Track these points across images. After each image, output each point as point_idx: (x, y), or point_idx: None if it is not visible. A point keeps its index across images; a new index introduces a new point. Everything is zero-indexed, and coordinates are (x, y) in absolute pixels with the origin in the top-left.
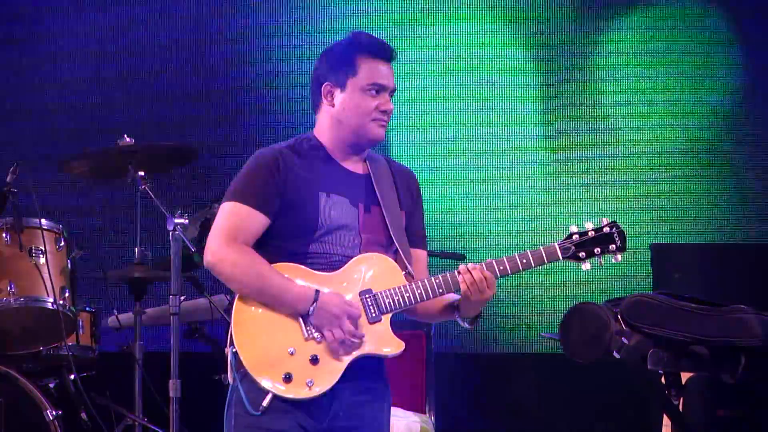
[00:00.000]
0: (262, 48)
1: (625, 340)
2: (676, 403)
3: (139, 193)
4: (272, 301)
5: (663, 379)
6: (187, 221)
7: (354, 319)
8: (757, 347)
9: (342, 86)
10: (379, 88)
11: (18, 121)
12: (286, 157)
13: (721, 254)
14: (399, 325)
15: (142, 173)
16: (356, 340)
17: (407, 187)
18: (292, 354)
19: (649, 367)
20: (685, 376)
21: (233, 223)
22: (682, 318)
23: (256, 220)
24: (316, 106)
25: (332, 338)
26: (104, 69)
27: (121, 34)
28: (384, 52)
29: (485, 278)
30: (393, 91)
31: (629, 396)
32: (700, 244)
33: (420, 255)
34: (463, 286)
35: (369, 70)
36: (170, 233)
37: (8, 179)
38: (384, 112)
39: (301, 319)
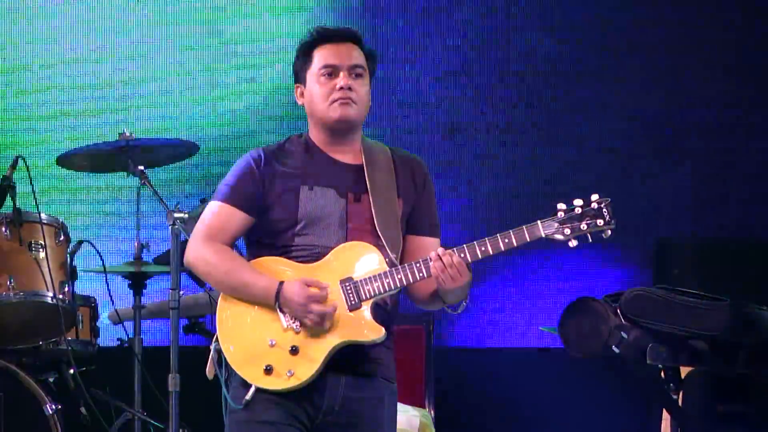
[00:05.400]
0: (265, 45)
1: (624, 335)
2: (675, 397)
3: (138, 187)
4: (244, 296)
5: (662, 374)
6: (186, 216)
7: (319, 297)
8: (756, 342)
9: (304, 81)
10: (332, 70)
11: (18, 116)
12: (269, 156)
13: (720, 249)
14: (399, 320)
15: (142, 168)
16: (329, 314)
17: (410, 175)
18: (272, 346)
19: (648, 361)
20: (684, 371)
21: (212, 222)
22: (682, 313)
23: (236, 219)
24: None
25: (311, 324)
26: (105, 63)
27: (122, 27)
28: (338, 35)
29: (455, 264)
30: (355, 67)
31: (628, 390)
32: (700, 239)
33: (427, 243)
34: (434, 272)
35: (321, 56)
36: (170, 228)
37: (8, 173)
38: (341, 89)
39: (279, 311)
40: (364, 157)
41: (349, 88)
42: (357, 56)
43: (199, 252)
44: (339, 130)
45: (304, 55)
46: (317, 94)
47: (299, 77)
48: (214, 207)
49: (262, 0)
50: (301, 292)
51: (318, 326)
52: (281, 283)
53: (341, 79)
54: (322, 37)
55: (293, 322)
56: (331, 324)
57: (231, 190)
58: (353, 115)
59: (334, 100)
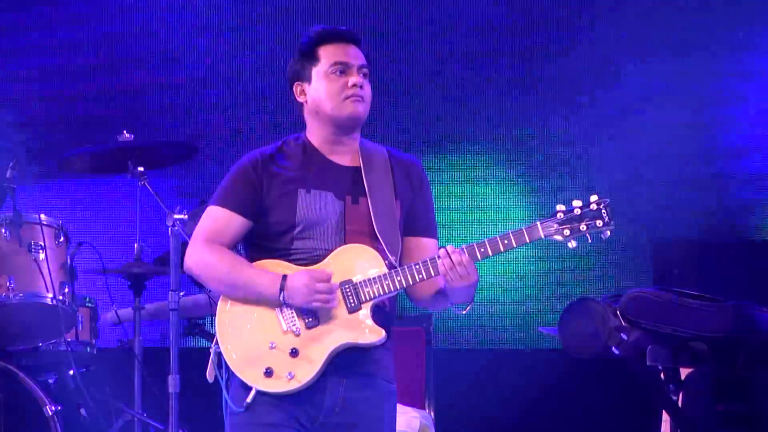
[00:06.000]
0: (266, 41)
1: (624, 336)
2: (675, 398)
3: (138, 188)
4: (246, 294)
5: (662, 375)
6: (186, 217)
7: (323, 276)
8: (755, 342)
9: (308, 79)
10: (343, 67)
11: (17, 115)
12: (267, 160)
13: (721, 250)
14: (398, 322)
15: (141, 169)
16: (334, 298)
17: (407, 176)
18: (272, 348)
19: (648, 362)
20: (684, 372)
21: (211, 226)
22: (682, 314)
23: (235, 223)
24: (300, 109)
25: (320, 304)
26: (104, 65)
27: (121, 25)
28: (344, 35)
29: (464, 262)
30: (362, 67)
31: (628, 392)
32: (700, 240)
33: (426, 244)
34: (442, 270)
35: (329, 54)
36: (169, 229)
37: (8, 175)
38: (354, 86)
39: (278, 312)
40: (361, 159)
41: (361, 87)
42: (362, 57)
43: (199, 255)
44: (346, 128)
45: (306, 53)
46: (327, 90)
47: (300, 75)
48: (212, 211)
49: (263, 6)
50: (305, 273)
51: (327, 304)
52: (284, 276)
53: (355, 77)
54: (327, 36)
55: (293, 325)
56: (331, 324)
57: (229, 194)
58: (363, 113)
59: (347, 97)
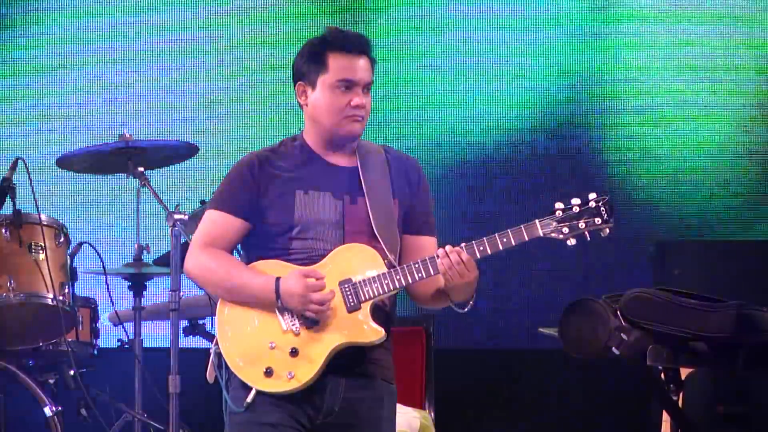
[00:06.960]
0: (264, 44)
1: (624, 336)
2: (675, 399)
3: (138, 188)
4: (243, 297)
5: (662, 375)
6: (186, 217)
7: (318, 288)
8: (756, 343)
9: (313, 85)
10: (349, 84)
11: (17, 115)
12: (264, 162)
13: (721, 250)
14: (400, 321)
15: (141, 169)
16: (328, 307)
17: (405, 175)
18: (272, 348)
19: (648, 363)
20: (684, 372)
21: (209, 229)
22: (682, 314)
23: (233, 226)
24: (299, 107)
25: (313, 315)
26: (105, 64)
27: (122, 29)
28: (355, 46)
29: (463, 261)
30: (368, 84)
31: (628, 392)
32: (700, 241)
33: (425, 242)
34: (441, 269)
35: (338, 65)
36: (170, 229)
37: (8, 174)
38: (357, 107)
39: (278, 312)
40: (359, 159)
41: (362, 106)
42: (369, 71)
43: (197, 259)
44: (341, 143)
45: (315, 56)
46: (329, 105)
47: (306, 77)
48: (210, 215)
49: (263, 6)
50: (299, 282)
51: (319, 315)
52: (278, 279)
53: (359, 97)
54: (338, 43)
55: (293, 324)
56: (331, 324)
57: (226, 197)
58: (361, 131)
59: (347, 116)
